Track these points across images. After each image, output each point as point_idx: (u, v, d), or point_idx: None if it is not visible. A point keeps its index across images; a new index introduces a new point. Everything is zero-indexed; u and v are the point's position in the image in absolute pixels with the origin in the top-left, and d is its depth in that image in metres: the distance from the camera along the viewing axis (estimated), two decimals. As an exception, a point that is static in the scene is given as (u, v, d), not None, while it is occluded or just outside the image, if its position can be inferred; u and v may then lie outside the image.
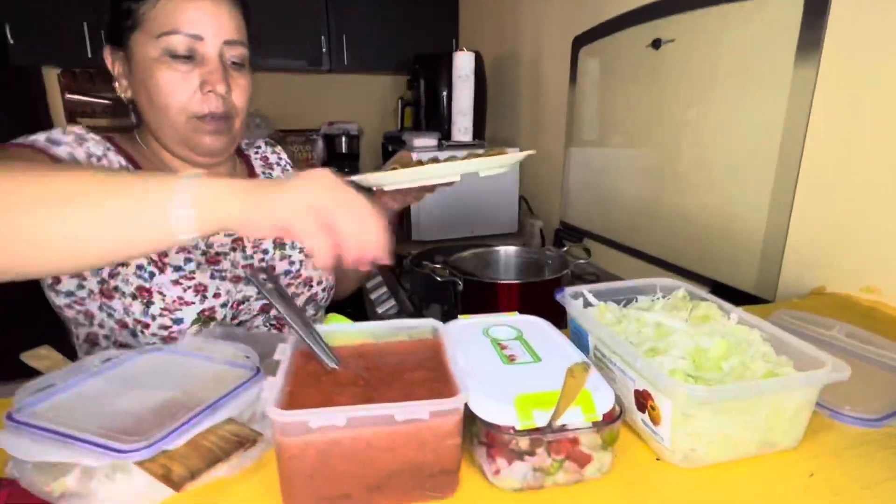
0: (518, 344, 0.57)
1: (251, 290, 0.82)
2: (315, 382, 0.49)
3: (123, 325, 0.73)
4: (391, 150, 2.31)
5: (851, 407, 0.57)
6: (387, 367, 0.52)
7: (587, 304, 0.68)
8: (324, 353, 0.52)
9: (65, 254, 0.46)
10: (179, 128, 0.75)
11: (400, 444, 0.42)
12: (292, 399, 0.46)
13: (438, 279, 0.96)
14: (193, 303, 0.74)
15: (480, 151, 0.91)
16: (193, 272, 0.75)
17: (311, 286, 0.90)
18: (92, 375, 0.54)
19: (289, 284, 0.87)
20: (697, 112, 1.19)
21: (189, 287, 0.74)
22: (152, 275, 0.73)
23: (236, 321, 0.80)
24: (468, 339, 0.58)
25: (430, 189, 0.88)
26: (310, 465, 0.42)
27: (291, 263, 0.89)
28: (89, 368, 0.55)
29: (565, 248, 1.09)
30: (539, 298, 0.95)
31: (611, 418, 0.46)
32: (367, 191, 0.86)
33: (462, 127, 2.05)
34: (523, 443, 0.44)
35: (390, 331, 0.58)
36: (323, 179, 0.49)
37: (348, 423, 0.41)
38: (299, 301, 0.89)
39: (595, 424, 0.45)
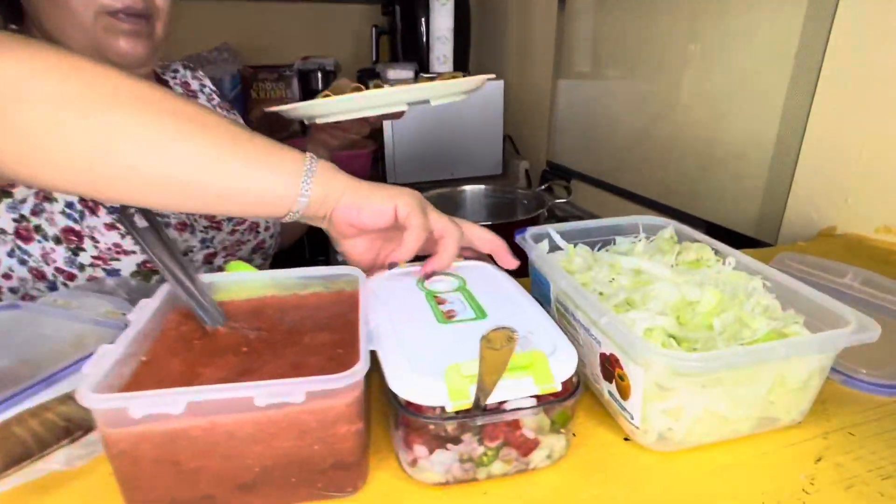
0: (459, 297, 0.45)
1: (195, 239, 0.71)
2: (184, 348, 0.38)
3: (40, 276, 0.61)
4: (368, 86, 2.13)
5: (869, 371, 0.46)
6: (284, 328, 0.41)
7: (555, 247, 0.56)
8: (201, 308, 0.41)
9: (165, 191, 0.41)
10: (87, 27, 0.59)
11: (271, 433, 0.31)
12: (144, 373, 0.35)
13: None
14: (134, 251, 0.62)
15: (431, 75, 0.77)
16: (132, 215, 0.63)
17: (258, 232, 0.79)
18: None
19: (233, 231, 0.76)
20: (701, 35, 1.03)
21: (126, 233, 0.62)
22: (83, 214, 0.60)
23: None
24: (399, 292, 0.46)
25: (374, 122, 0.76)
26: (148, 462, 0.31)
27: None
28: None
29: (543, 187, 0.96)
30: (511, 241, 0.83)
31: (564, 393, 0.35)
32: (301, 126, 0.72)
33: (441, 56, 1.86)
34: (447, 427, 0.33)
35: (302, 281, 0.46)
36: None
37: (188, 409, 0.29)
38: (245, 250, 0.78)
39: (541, 402, 0.34)
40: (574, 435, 0.40)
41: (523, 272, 0.55)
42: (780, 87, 0.88)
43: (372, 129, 0.85)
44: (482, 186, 0.96)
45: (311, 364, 0.36)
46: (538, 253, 0.51)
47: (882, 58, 0.73)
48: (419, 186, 1.75)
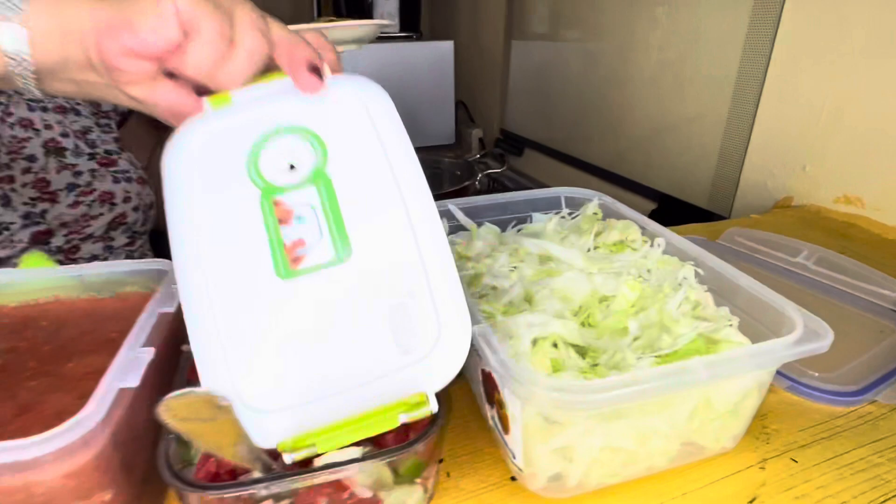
0: (312, 200, 0.27)
1: (13, 214, 0.58)
2: None
3: None
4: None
5: (822, 374, 0.38)
6: (48, 348, 0.30)
7: (459, 226, 0.46)
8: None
9: None
10: None
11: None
12: None
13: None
14: None
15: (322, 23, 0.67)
16: None
17: (114, 205, 0.65)
18: None
19: (76, 203, 0.62)
20: (653, -25, 0.92)
21: None
22: None
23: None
24: (220, 195, 0.27)
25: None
26: None
27: (78, 174, 0.63)
28: None
29: (478, 156, 0.85)
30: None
31: (420, 429, 0.26)
32: None
33: (385, 13, 1.71)
34: (227, 498, 0.23)
35: (110, 279, 0.35)
36: None
37: None
38: (96, 225, 0.64)
39: (375, 454, 0.25)
40: (448, 475, 0.31)
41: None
42: (735, 49, 0.78)
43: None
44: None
45: (48, 405, 0.25)
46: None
47: (839, 19, 0.64)
48: None
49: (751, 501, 0.29)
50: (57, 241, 0.60)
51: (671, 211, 0.96)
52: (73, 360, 0.29)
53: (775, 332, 0.30)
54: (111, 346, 0.30)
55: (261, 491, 0.22)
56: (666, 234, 0.40)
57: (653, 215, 1.00)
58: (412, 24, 1.88)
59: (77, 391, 0.26)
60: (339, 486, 0.25)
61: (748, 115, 0.78)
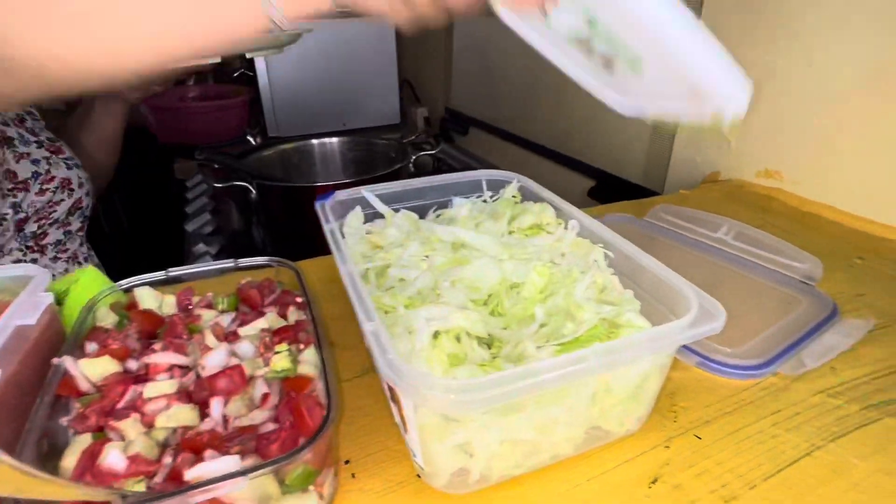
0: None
1: (5, 206, 0.60)
2: None
3: None
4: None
5: (730, 349, 0.39)
6: None
7: (376, 214, 0.44)
8: None
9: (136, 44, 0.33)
10: None
11: None
12: None
13: (217, 185, 0.68)
14: None
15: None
16: None
17: (72, 190, 0.66)
18: None
19: (43, 191, 0.63)
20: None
21: None
22: None
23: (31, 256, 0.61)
24: None
25: (180, 75, 0.65)
26: None
27: (36, 163, 0.63)
28: None
29: (412, 137, 0.83)
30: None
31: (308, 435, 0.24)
32: None
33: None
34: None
35: (-35, 288, 0.32)
36: None
37: None
38: (60, 211, 0.65)
39: (255, 467, 0.23)
40: (353, 476, 0.30)
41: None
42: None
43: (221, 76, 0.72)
44: (337, 139, 0.82)
45: None
46: (331, 227, 0.38)
47: (755, 3, 0.65)
48: (305, 139, 1.55)
49: (653, 482, 0.30)
50: (30, 227, 0.62)
51: (609, 188, 0.97)
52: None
53: (676, 313, 0.30)
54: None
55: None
56: (579, 217, 0.40)
57: (592, 192, 1.02)
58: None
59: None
60: (215, 502, 0.23)
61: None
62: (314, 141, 0.80)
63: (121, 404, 0.28)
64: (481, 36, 1.35)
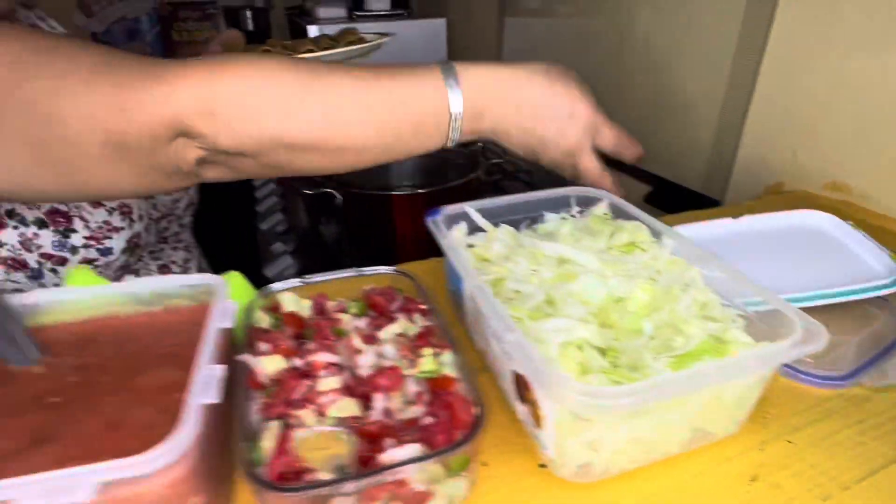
0: None
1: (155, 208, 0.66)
2: (-26, 403, 0.29)
3: (18, 265, 0.53)
4: (293, 21, 1.92)
5: (815, 360, 0.42)
6: (117, 363, 0.32)
7: (476, 228, 0.49)
8: (10, 343, 0.32)
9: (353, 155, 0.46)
10: None
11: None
12: None
13: (308, 192, 0.74)
14: (123, 227, 0.58)
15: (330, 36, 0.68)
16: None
17: (188, 188, 0.72)
18: None
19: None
20: (650, -41, 0.93)
21: (115, 208, 0.58)
22: None
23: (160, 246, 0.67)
24: None
25: None
26: None
27: None
28: None
29: (480, 144, 0.87)
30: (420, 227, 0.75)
31: (467, 430, 0.29)
32: None
33: (376, -9, 1.68)
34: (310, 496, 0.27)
35: (152, 294, 0.37)
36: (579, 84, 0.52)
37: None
38: (180, 208, 0.73)
39: (431, 454, 0.28)
40: (485, 464, 0.35)
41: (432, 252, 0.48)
42: (730, 37, 0.80)
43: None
44: (412, 146, 0.86)
45: (134, 420, 0.28)
46: (448, 242, 0.43)
47: (834, 10, 0.66)
48: None
49: (752, 480, 0.33)
50: (162, 224, 0.70)
51: (666, 194, 0.99)
52: (142, 374, 0.31)
53: (774, 330, 0.33)
54: (173, 360, 0.32)
55: (336, 489, 0.26)
56: (673, 235, 0.43)
57: (648, 198, 1.04)
58: (403, 1, 1.85)
59: (155, 405, 0.29)
60: (399, 482, 0.28)
61: (742, 103, 0.80)
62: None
63: (296, 396, 0.33)
64: (532, 37, 1.37)
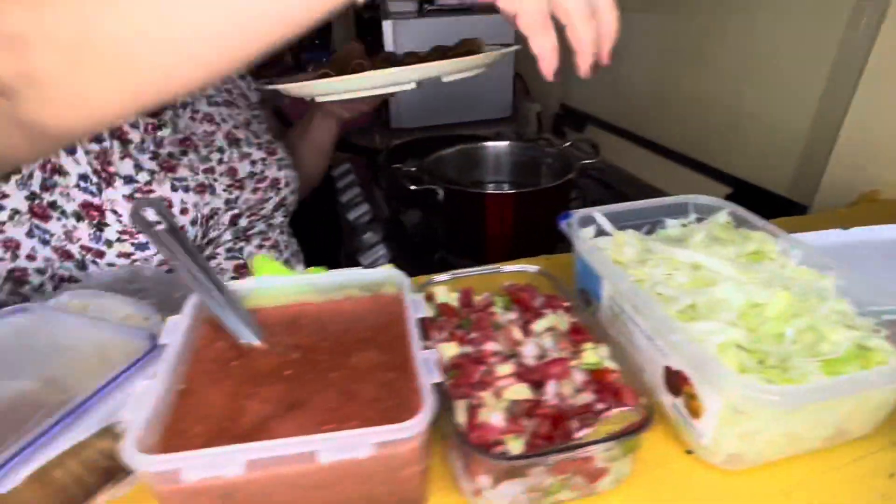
0: None
1: (219, 201, 0.67)
2: (223, 373, 0.35)
3: (66, 255, 0.57)
4: (366, 18, 1.96)
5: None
6: (327, 344, 0.38)
7: (601, 231, 0.52)
8: (240, 323, 0.37)
9: (205, 46, 0.32)
10: None
11: (334, 481, 0.29)
12: (183, 407, 0.32)
13: (414, 188, 0.79)
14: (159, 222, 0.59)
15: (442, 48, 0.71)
16: (150, 183, 0.59)
17: (279, 189, 0.75)
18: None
19: (255, 189, 0.71)
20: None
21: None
22: (100, 187, 0.56)
23: (206, 240, 0.66)
24: None
25: (382, 97, 0.71)
26: (203, 514, 0.29)
27: (253, 163, 0.72)
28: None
29: (569, 143, 0.90)
30: (536, 210, 0.79)
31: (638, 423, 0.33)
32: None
33: (445, -15, 1.70)
34: (515, 465, 0.31)
35: (338, 284, 0.43)
36: None
37: (249, 467, 0.27)
38: (268, 208, 0.74)
39: (617, 437, 0.32)
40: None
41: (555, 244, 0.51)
42: (832, 40, 0.80)
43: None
44: (504, 143, 0.90)
45: (363, 394, 0.33)
46: (588, 244, 0.47)
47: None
48: (426, 131, 1.66)
49: (890, 475, 0.37)
50: (242, 222, 0.70)
51: (747, 197, 1.00)
52: (352, 356, 0.37)
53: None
54: (372, 344, 0.38)
55: (542, 461, 0.30)
56: (800, 244, 0.46)
57: (729, 200, 1.05)
58: (469, -6, 1.87)
59: (374, 381, 0.34)
60: (587, 459, 0.33)
61: (842, 104, 0.80)
62: (489, 144, 0.89)
63: (476, 379, 0.38)
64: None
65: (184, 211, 0.62)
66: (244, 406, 0.32)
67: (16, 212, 0.55)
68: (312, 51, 2.34)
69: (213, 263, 0.68)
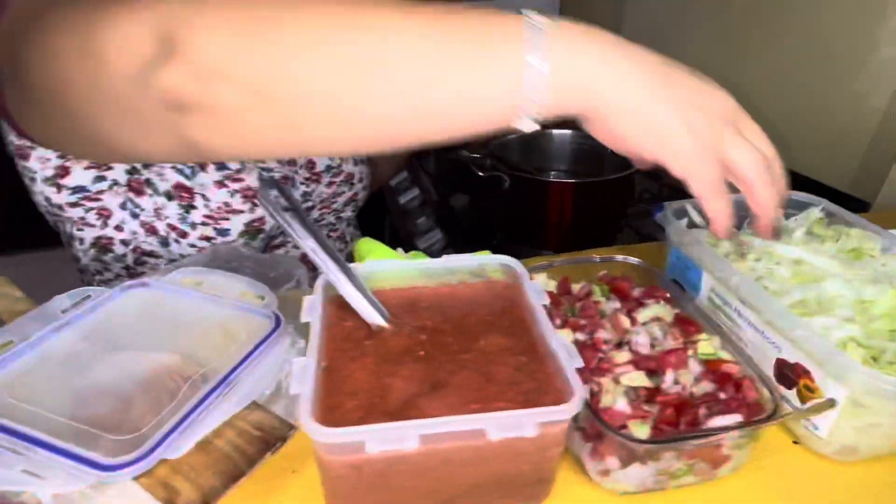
0: None
1: (297, 193, 0.67)
2: (358, 351, 0.37)
3: (152, 231, 0.60)
4: None
5: None
6: (450, 327, 0.39)
7: (692, 224, 0.53)
8: (371, 305, 0.39)
9: (370, 130, 0.33)
10: None
11: (489, 458, 0.31)
12: (330, 382, 0.34)
13: (481, 174, 0.79)
14: (242, 211, 0.60)
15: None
16: (241, 171, 0.60)
17: (353, 184, 0.75)
18: (60, 327, 0.41)
19: (331, 183, 0.72)
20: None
21: (237, 191, 0.60)
22: (194, 171, 0.58)
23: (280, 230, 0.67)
24: None
25: None
26: (365, 484, 0.30)
27: (332, 157, 0.71)
28: (55, 314, 0.42)
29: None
30: (599, 200, 0.79)
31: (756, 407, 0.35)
32: None
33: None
34: (649, 449, 0.33)
35: (450, 269, 0.44)
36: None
37: (421, 442, 0.28)
38: (339, 203, 0.75)
39: (750, 424, 0.33)
40: (741, 437, 0.40)
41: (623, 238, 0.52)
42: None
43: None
44: (567, 131, 0.90)
45: (499, 376, 0.34)
46: (686, 235, 0.47)
47: None
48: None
49: None
50: (314, 214, 0.70)
51: (806, 191, 0.99)
52: (480, 339, 0.38)
53: None
54: (495, 328, 0.39)
55: (680, 445, 0.32)
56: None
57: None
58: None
59: (508, 365, 0.35)
60: (716, 445, 0.34)
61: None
62: (552, 131, 0.89)
63: (594, 365, 0.39)
64: (657, 20, 1.35)
65: None
66: (388, 383, 0.34)
67: (115, 182, 0.57)
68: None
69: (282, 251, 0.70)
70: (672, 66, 0.34)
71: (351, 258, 0.47)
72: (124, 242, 0.60)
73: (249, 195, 0.60)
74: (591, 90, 0.32)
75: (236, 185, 0.59)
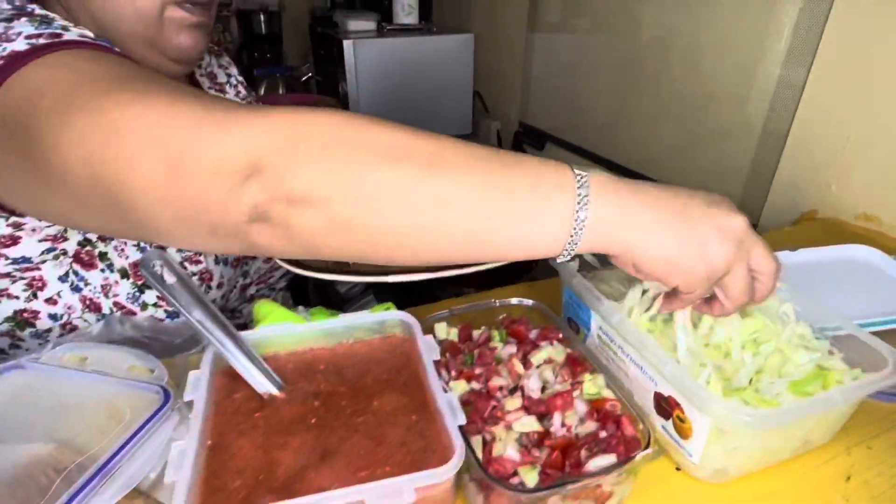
0: None
1: (238, 271, 0.66)
2: (248, 425, 0.36)
3: (93, 307, 0.55)
4: (319, 31, 1.97)
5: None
6: (346, 388, 0.39)
7: (584, 263, 0.56)
8: (258, 373, 0.38)
9: (430, 256, 0.36)
10: (149, 17, 0.52)
11: (374, 527, 0.31)
12: (215, 462, 0.33)
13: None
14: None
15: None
16: (199, 254, 0.59)
17: None
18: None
19: (268, 259, 0.70)
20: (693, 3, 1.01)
21: (194, 273, 0.59)
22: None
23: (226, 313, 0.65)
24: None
25: None
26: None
27: None
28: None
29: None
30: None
31: (635, 442, 0.37)
32: None
33: (405, 5, 1.74)
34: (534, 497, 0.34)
35: (346, 327, 0.44)
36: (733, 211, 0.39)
37: (300, 522, 0.28)
38: (275, 276, 0.74)
39: (624, 462, 0.36)
40: (630, 468, 0.43)
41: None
42: (773, 67, 0.89)
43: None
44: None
45: (390, 438, 0.35)
46: (578, 280, 0.50)
47: (876, 47, 0.75)
48: None
49: (847, 479, 0.42)
50: (251, 290, 0.72)
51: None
52: (374, 399, 0.38)
53: (862, 360, 0.42)
54: (390, 386, 0.40)
55: (557, 491, 0.33)
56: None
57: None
58: (426, 14, 1.91)
59: (400, 425, 0.36)
60: (598, 485, 0.36)
61: (781, 134, 0.89)
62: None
63: (487, 414, 0.40)
64: (563, 54, 1.44)
65: (219, 285, 0.62)
66: (277, 457, 0.33)
67: (63, 252, 0.53)
68: (264, 66, 2.32)
69: None
70: (690, 200, 0.37)
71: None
72: (53, 317, 0.55)
73: (206, 279, 0.60)
74: (623, 238, 0.36)
75: (195, 268, 0.58)
